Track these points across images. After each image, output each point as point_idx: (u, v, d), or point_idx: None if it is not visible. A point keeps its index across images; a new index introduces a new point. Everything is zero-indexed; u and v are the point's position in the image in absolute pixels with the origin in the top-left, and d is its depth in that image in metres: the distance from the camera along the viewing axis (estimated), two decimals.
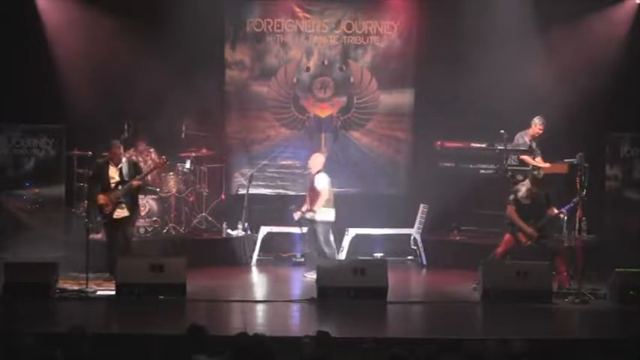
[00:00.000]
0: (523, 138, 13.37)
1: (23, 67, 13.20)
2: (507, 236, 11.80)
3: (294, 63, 14.98)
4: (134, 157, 13.04)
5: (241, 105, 14.98)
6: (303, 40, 14.98)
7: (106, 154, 12.78)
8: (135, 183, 11.65)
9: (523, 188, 11.78)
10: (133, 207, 11.80)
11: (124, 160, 11.82)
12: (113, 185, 11.64)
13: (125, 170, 11.71)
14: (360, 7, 15.00)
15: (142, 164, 12.71)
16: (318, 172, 12.77)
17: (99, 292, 10.99)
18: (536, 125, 13.31)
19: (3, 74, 13.10)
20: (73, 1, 13.81)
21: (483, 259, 11.49)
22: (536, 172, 11.88)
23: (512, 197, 11.81)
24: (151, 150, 13.65)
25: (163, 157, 12.62)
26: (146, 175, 12.31)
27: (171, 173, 13.63)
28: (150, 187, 13.32)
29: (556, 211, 11.69)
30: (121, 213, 11.63)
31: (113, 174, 11.70)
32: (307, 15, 14.94)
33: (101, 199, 11.58)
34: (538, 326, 9.83)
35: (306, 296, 11.02)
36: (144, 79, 13.24)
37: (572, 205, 11.60)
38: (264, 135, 15.00)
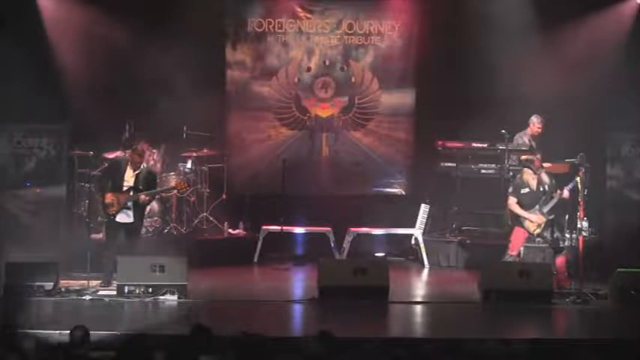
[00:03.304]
0: (522, 138, 13.40)
1: (24, 67, 13.18)
2: (516, 230, 11.82)
3: (295, 63, 14.99)
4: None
5: (242, 105, 14.99)
6: (304, 40, 14.98)
7: (112, 154, 12.83)
8: (142, 198, 11.44)
9: (529, 178, 11.83)
10: (139, 215, 11.57)
11: (143, 166, 11.60)
12: (125, 189, 11.41)
13: (141, 178, 11.46)
14: (362, 7, 14.99)
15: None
16: None
17: (100, 292, 11.01)
18: (535, 124, 13.34)
19: (4, 74, 13.09)
20: (74, 1, 13.81)
21: (496, 261, 11.57)
22: (525, 157, 11.97)
23: (510, 189, 11.88)
24: (154, 151, 13.63)
25: (185, 180, 12.84)
26: (158, 193, 12.21)
27: (172, 173, 13.62)
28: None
29: (559, 191, 11.74)
30: (125, 218, 11.42)
31: (129, 178, 11.44)
32: (308, 15, 14.94)
33: (109, 197, 11.35)
34: (539, 326, 9.84)
35: (307, 296, 11.04)
36: (145, 78, 13.25)
37: (573, 184, 11.64)
38: (265, 135, 15.01)
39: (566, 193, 11.77)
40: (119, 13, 13.57)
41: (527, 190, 11.85)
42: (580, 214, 11.39)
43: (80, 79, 13.46)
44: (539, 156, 12.47)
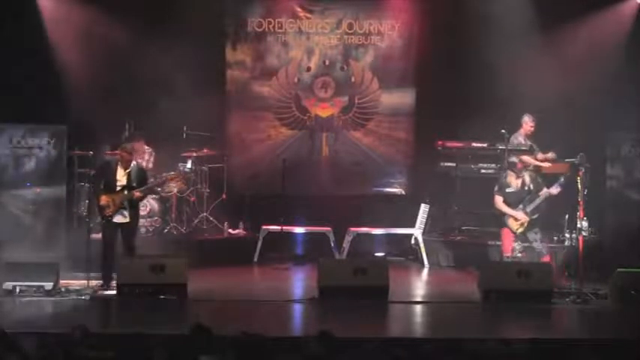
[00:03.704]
0: (517, 139, 13.40)
1: (24, 67, 13.19)
2: (503, 231, 11.93)
3: (295, 63, 14.99)
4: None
5: (242, 105, 14.99)
6: (304, 40, 14.99)
7: (110, 153, 12.83)
8: (136, 195, 11.40)
9: (511, 178, 11.91)
10: (135, 214, 11.53)
11: (133, 164, 11.53)
12: (119, 188, 11.36)
13: (133, 176, 11.41)
14: (361, 7, 15.00)
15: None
16: None
17: (100, 292, 11.00)
18: (527, 123, 13.35)
19: (3, 74, 13.10)
20: (74, 1, 13.81)
21: (489, 261, 11.61)
22: (511, 160, 12.01)
23: (496, 188, 11.95)
24: (147, 150, 13.59)
25: (181, 173, 12.95)
26: (153, 186, 12.17)
27: (172, 173, 13.60)
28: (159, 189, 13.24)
29: (545, 190, 11.79)
30: (122, 219, 11.37)
31: (121, 177, 11.38)
32: (308, 15, 14.94)
33: (103, 200, 11.27)
34: (539, 326, 9.84)
35: (307, 296, 11.04)
36: (145, 78, 13.25)
37: (558, 184, 11.71)
38: (264, 135, 15.01)
39: (554, 190, 11.81)
40: (119, 13, 13.57)
41: (511, 189, 11.96)
42: (580, 214, 11.40)
43: (80, 79, 13.46)
44: (524, 158, 12.53)
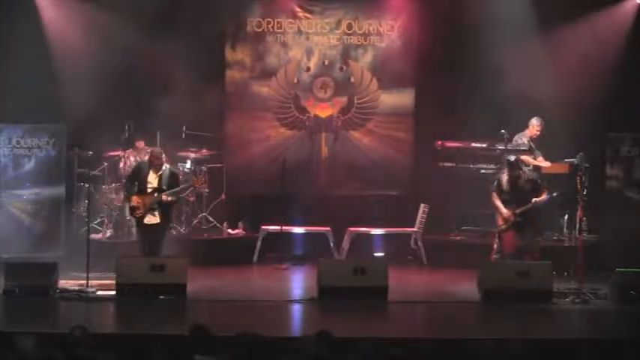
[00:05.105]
0: (521, 139, 13.40)
1: (23, 67, 13.18)
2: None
3: (294, 63, 14.98)
4: (133, 157, 13.11)
5: (241, 105, 14.98)
6: (303, 40, 14.97)
7: (113, 153, 12.85)
8: (164, 199, 11.47)
9: (504, 177, 11.83)
10: (165, 215, 11.61)
11: (165, 167, 11.66)
12: (150, 190, 11.48)
13: (165, 178, 11.53)
14: (361, 7, 14.99)
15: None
16: None
17: (99, 292, 11.00)
18: (534, 126, 13.35)
19: (3, 74, 13.09)
20: (73, 1, 13.81)
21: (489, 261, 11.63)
22: (508, 157, 11.93)
23: (495, 184, 11.89)
24: (150, 150, 13.58)
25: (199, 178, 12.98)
26: (180, 191, 12.19)
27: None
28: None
29: (534, 200, 11.70)
30: (152, 219, 11.45)
31: (152, 180, 11.50)
32: (308, 15, 14.93)
33: (135, 200, 11.44)
34: (538, 326, 9.84)
35: (306, 296, 11.04)
36: (144, 78, 13.24)
37: (549, 197, 11.66)
38: (264, 135, 15.00)
39: (544, 200, 11.73)
40: (118, 13, 13.56)
41: (506, 188, 11.85)
42: (580, 214, 11.39)
43: (80, 79, 13.45)
44: (523, 158, 12.45)
